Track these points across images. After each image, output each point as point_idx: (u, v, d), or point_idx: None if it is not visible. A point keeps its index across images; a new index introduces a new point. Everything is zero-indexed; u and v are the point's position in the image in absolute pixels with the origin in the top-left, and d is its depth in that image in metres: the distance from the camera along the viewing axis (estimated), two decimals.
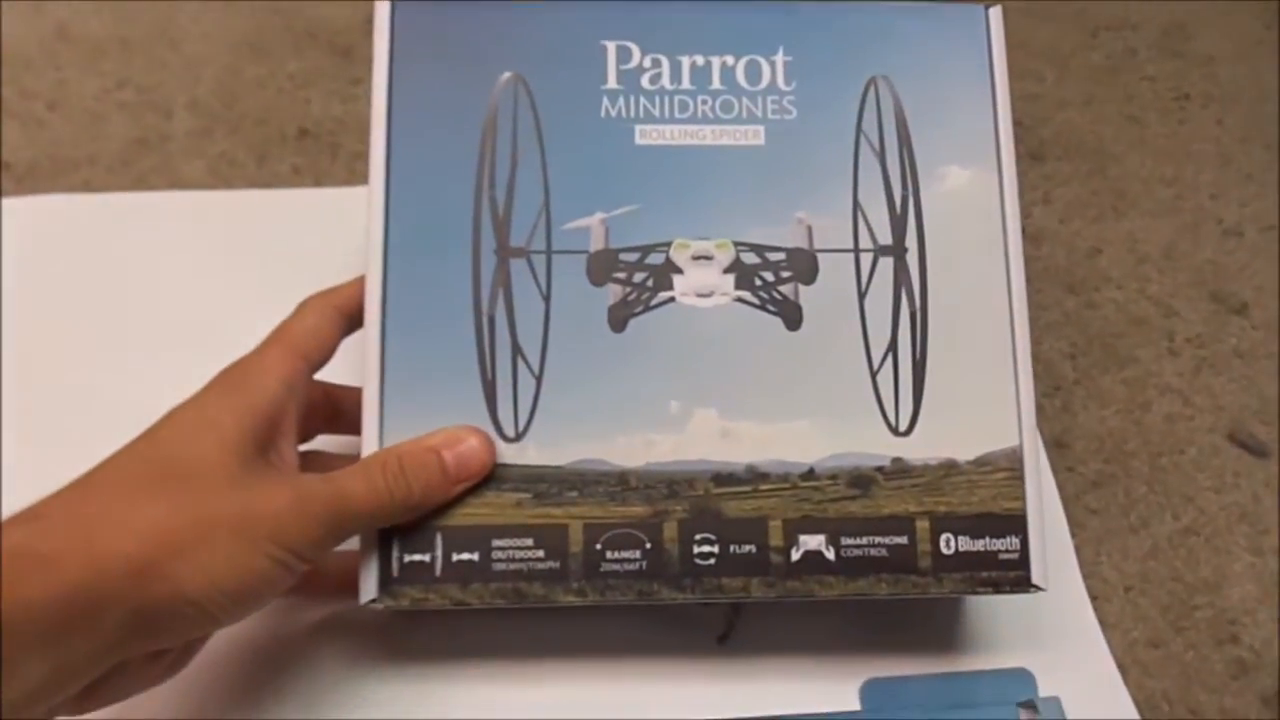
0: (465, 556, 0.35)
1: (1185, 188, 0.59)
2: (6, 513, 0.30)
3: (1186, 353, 0.53)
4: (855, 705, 0.42)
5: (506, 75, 0.37)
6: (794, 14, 0.39)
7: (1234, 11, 0.69)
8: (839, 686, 0.42)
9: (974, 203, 0.38)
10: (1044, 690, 0.42)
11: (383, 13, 0.37)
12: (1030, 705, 0.42)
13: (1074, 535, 0.47)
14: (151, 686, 0.33)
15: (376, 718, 0.39)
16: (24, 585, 0.27)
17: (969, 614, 0.44)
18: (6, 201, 0.50)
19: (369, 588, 0.34)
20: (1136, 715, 0.43)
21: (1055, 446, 0.48)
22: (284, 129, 0.53)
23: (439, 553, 0.34)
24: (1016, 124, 0.58)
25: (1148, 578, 0.47)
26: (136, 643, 0.30)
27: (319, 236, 0.49)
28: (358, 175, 0.53)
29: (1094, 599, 0.45)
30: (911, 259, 0.38)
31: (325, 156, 0.52)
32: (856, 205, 0.38)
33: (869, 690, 0.42)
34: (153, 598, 0.29)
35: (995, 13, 0.39)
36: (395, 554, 0.34)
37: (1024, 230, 0.53)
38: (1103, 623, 0.45)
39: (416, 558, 0.34)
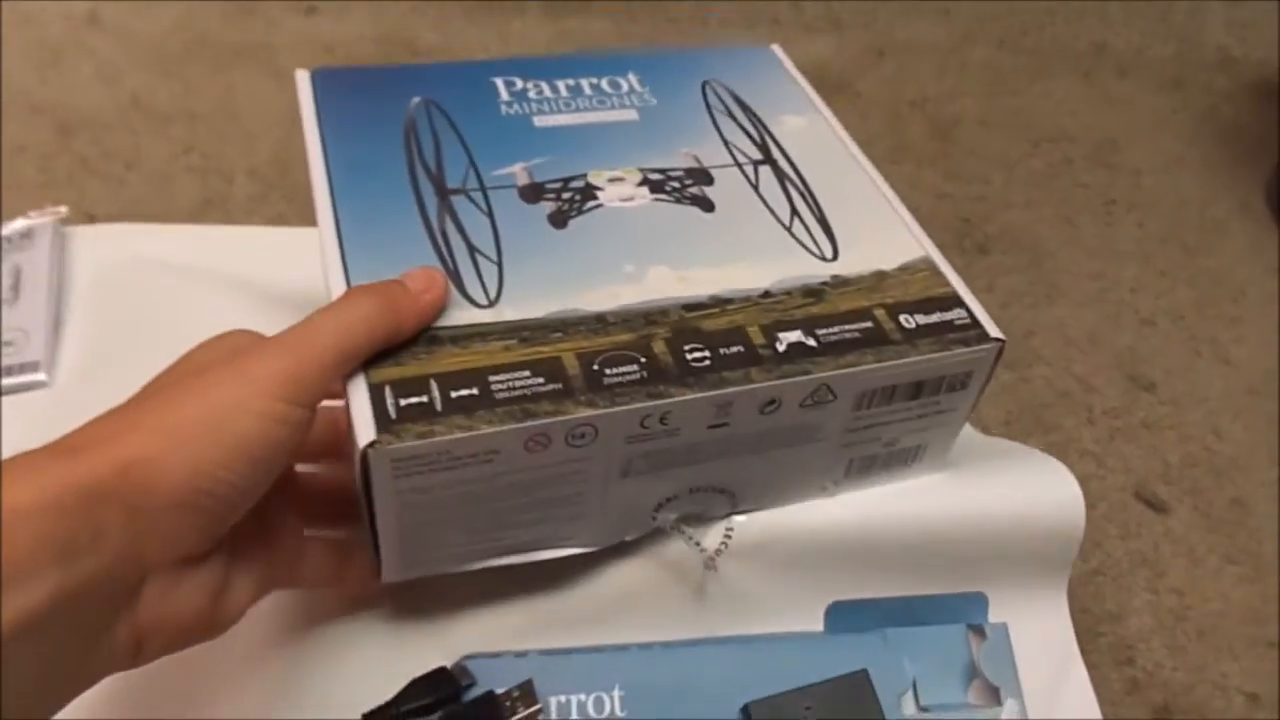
0: (464, 392, 0.34)
1: (1110, 282, 0.70)
2: None
3: (1103, 423, 0.62)
4: (820, 628, 0.43)
5: (417, 99, 0.45)
6: (631, 56, 0.50)
7: (1160, 131, 0.85)
8: (809, 607, 0.43)
9: (813, 129, 0.47)
10: (995, 618, 0.44)
11: (303, 79, 0.45)
12: (979, 630, 0.43)
13: None
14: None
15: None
16: (11, 489, 0.26)
17: (931, 536, 0.44)
18: (76, 230, 0.55)
19: (366, 431, 0.32)
20: (1071, 631, 0.45)
21: None
22: None
23: (436, 393, 0.34)
24: (965, 220, 0.72)
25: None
26: (155, 548, 0.29)
27: None
28: None
29: None
30: (783, 163, 0.45)
31: None
32: (725, 142, 0.46)
33: (833, 611, 0.43)
34: (144, 485, 0.28)
35: (777, 49, 0.52)
36: (390, 400, 0.33)
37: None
38: None
39: (414, 400, 0.33)
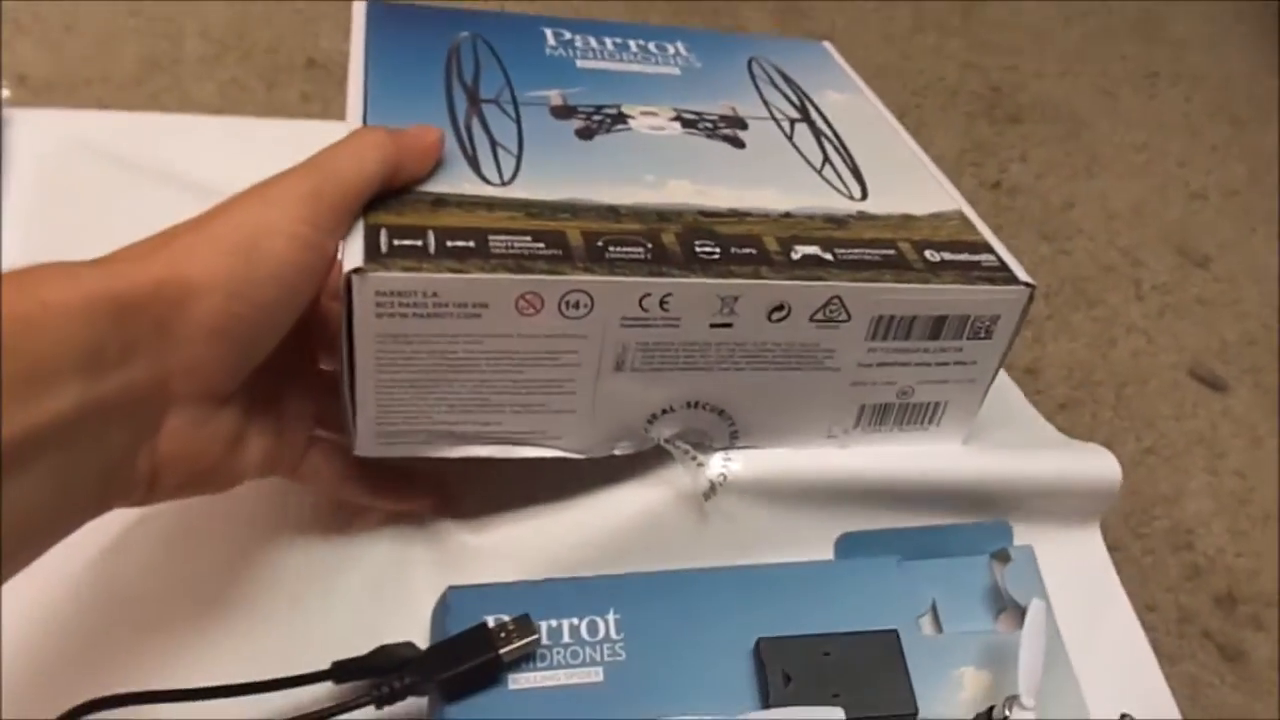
0: (460, 243, 0.33)
1: (1155, 154, 0.67)
2: None
3: (1152, 298, 0.58)
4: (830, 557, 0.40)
5: (465, 34, 0.46)
6: (682, 30, 0.51)
7: (1205, 3, 0.82)
8: (817, 540, 0.40)
9: (855, 103, 0.47)
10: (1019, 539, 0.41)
11: (359, 9, 0.46)
12: (1003, 555, 0.39)
13: None
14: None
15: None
16: (43, 287, 0.26)
17: (952, 485, 0.41)
18: (19, 112, 0.49)
19: (354, 257, 0.31)
20: (1106, 556, 0.42)
21: (1025, 373, 0.50)
22: (293, 59, 0.56)
23: (431, 240, 0.33)
24: (995, 89, 0.69)
25: None
26: (181, 376, 0.28)
27: None
28: None
29: None
30: (820, 123, 0.45)
31: (333, 86, 0.54)
32: (765, 101, 0.46)
33: (843, 543, 0.41)
34: (176, 303, 0.28)
35: (829, 46, 0.53)
36: (383, 239, 0.32)
37: (999, 183, 0.60)
38: None
39: (407, 242, 0.32)
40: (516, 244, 0.33)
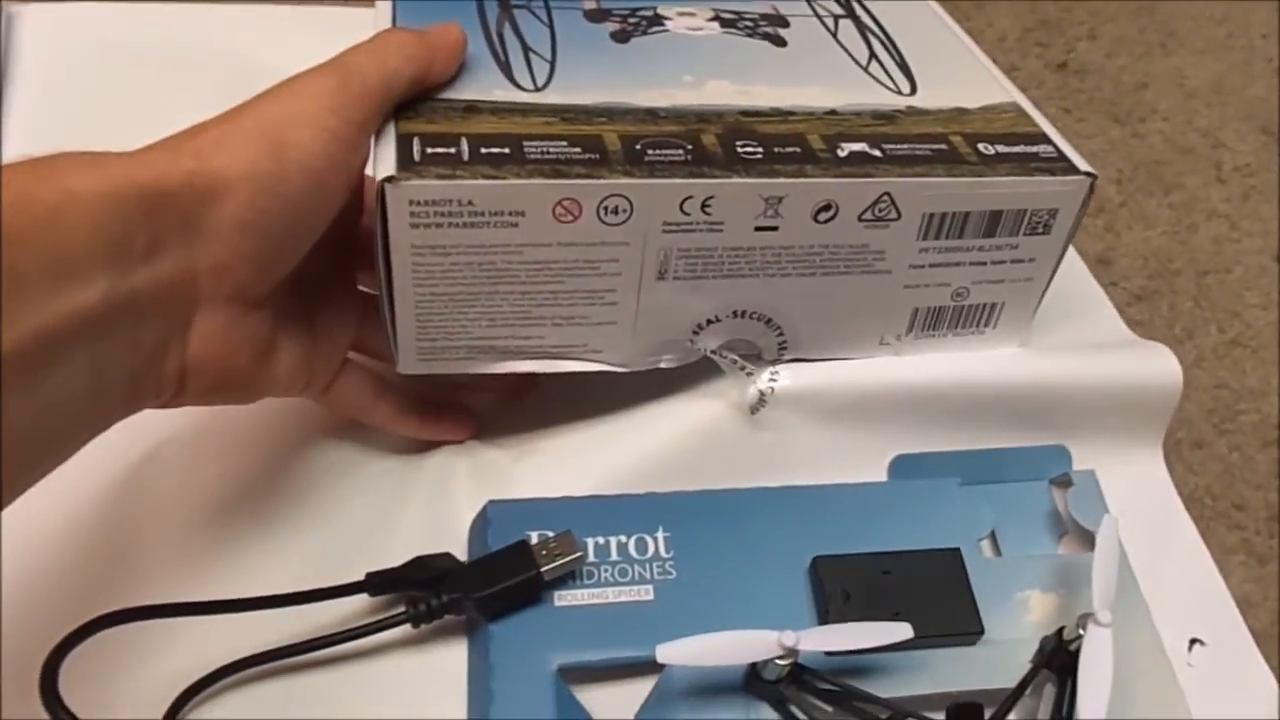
0: (495, 150, 0.32)
1: (1236, 26, 0.62)
2: None
3: (1235, 180, 0.55)
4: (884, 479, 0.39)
5: None
6: None
7: None
8: (870, 462, 0.39)
9: (906, 5, 0.45)
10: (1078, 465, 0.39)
11: None
12: (1064, 480, 0.38)
13: None
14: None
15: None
16: (68, 176, 0.25)
17: (1008, 396, 0.39)
18: (25, 8, 0.49)
19: (386, 166, 0.30)
20: (1169, 481, 0.40)
21: (1098, 263, 0.48)
22: None
23: (465, 147, 0.32)
24: None
25: (1192, 384, 0.44)
26: (210, 274, 0.28)
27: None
28: None
29: None
30: (866, 18, 0.43)
31: None
32: (811, 4, 0.44)
33: (898, 464, 0.39)
34: (206, 195, 0.27)
35: None
36: (416, 148, 0.31)
37: (1066, 64, 0.57)
38: None
39: (440, 150, 0.31)
40: (552, 149, 0.32)
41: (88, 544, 0.34)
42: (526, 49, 0.37)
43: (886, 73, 0.39)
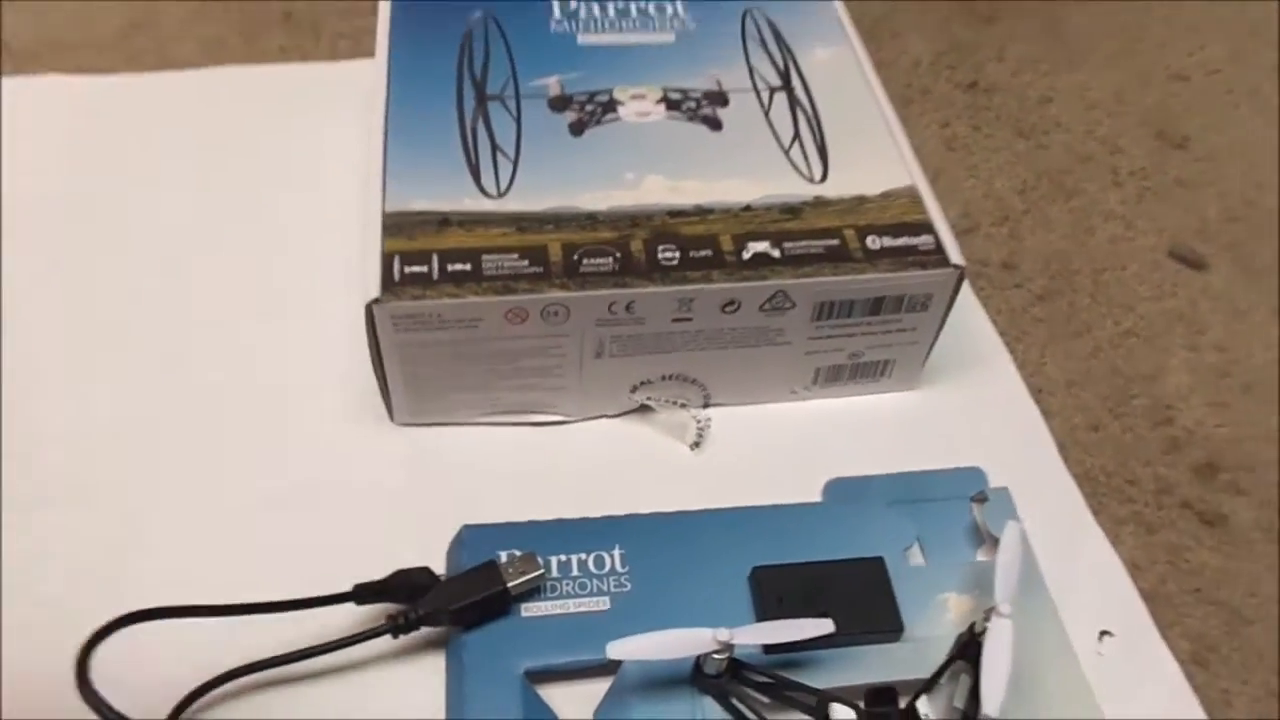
0: (459, 266, 0.40)
1: (1133, 40, 0.67)
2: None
3: (1130, 184, 0.60)
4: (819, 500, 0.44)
5: (478, 13, 0.50)
6: None
7: None
8: (804, 486, 0.44)
9: (839, 60, 0.50)
10: (994, 484, 0.45)
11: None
12: (981, 497, 0.44)
13: (1019, 342, 0.52)
14: None
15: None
16: None
17: (928, 422, 0.47)
18: (6, 81, 0.56)
19: (371, 288, 0.39)
20: (1079, 495, 0.46)
21: (1003, 268, 0.54)
22: (269, 12, 0.61)
23: (435, 265, 0.40)
24: None
25: (1089, 374, 0.51)
26: None
27: (310, 108, 0.58)
28: (340, 52, 0.62)
29: (1039, 393, 0.49)
30: (801, 92, 0.48)
31: (309, 37, 0.61)
32: (750, 68, 0.49)
33: (832, 489, 0.44)
34: None
35: None
36: (396, 267, 0.39)
37: (976, 83, 0.62)
38: (1046, 413, 0.48)
39: (415, 269, 0.39)
40: (505, 264, 0.40)
41: (89, 548, 0.40)
42: (495, 148, 0.44)
43: (805, 156, 0.45)
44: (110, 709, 0.33)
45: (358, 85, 0.56)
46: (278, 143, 0.56)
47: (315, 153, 0.56)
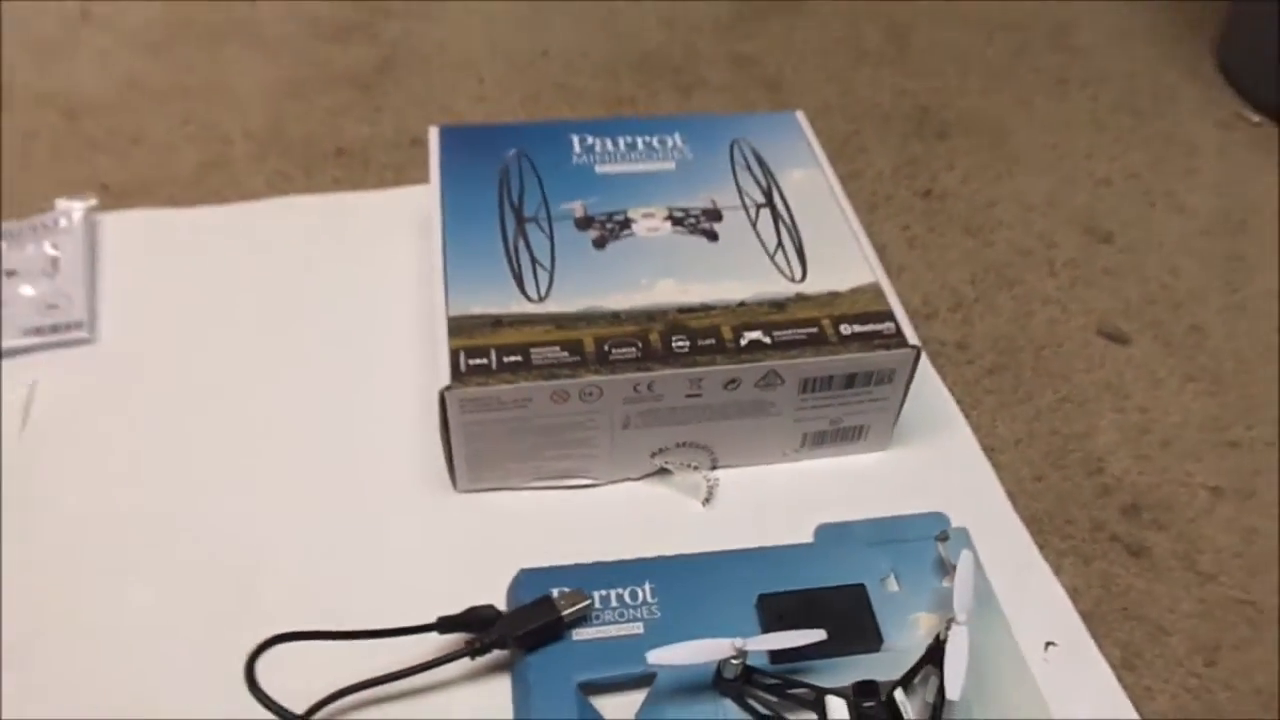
0: (512, 358, 0.50)
1: (1065, 151, 0.79)
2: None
3: (1064, 273, 0.70)
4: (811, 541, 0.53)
5: (512, 151, 0.61)
6: (679, 120, 0.65)
7: (1109, 10, 0.95)
8: (798, 530, 0.53)
9: (812, 180, 0.61)
10: (955, 524, 0.54)
11: (434, 134, 0.62)
12: (944, 535, 0.53)
13: (974, 409, 0.62)
14: None
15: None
16: None
17: (900, 477, 0.56)
18: (107, 216, 0.66)
19: (442, 378, 0.48)
20: (1026, 533, 0.55)
21: (957, 347, 0.65)
22: (324, 149, 0.72)
23: (493, 358, 0.50)
24: (924, 109, 0.80)
25: (1032, 434, 0.61)
26: None
27: (365, 229, 0.68)
28: (387, 181, 0.72)
29: (991, 450, 0.59)
30: (781, 207, 0.59)
31: (360, 168, 0.71)
32: (739, 189, 0.60)
33: (821, 532, 0.53)
34: None
35: (800, 115, 0.66)
36: (462, 361, 0.49)
37: (930, 191, 0.73)
38: (997, 466, 0.58)
39: (477, 361, 0.49)
40: (549, 355, 0.50)
41: (228, 588, 0.50)
42: (534, 261, 0.54)
43: (787, 261, 0.56)
44: (274, 702, 0.43)
45: (404, 209, 0.68)
46: (339, 259, 0.67)
47: (371, 266, 0.66)
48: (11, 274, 0.61)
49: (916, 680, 0.46)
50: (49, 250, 0.63)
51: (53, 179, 0.72)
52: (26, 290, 0.61)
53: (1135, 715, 0.48)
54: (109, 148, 0.75)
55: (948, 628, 0.45)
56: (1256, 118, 0.87)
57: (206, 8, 0.92)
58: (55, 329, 0.60)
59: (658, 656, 0.43)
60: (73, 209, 0.66)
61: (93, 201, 0.68)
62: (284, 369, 0.60)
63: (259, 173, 0.74)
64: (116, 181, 0.72)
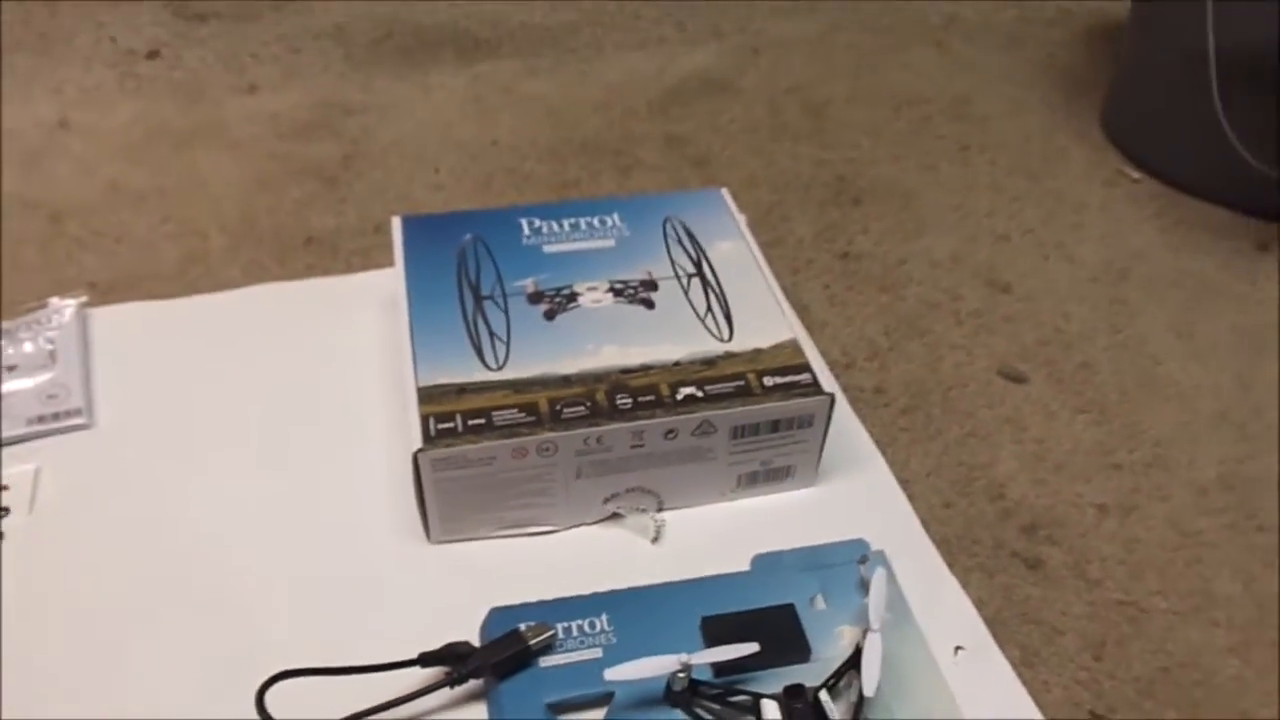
0: (476, 421, 0.56)
1: (968, 212, 0.89)
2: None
3: (969, 322, 0.79)
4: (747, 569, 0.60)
5: (468, 236, 0.68)
6: (617, 201, 0.72)
7: (1005, 83, 1.07)
8: (736, 561, 0.60)
9: (736, 250, 0.69)
10: (875, 548, 0.61)
11: (396, 223, 0.69)
12: (865, 559, 0.60)
13: (890, 446, 0.69)
14: None
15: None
16: None
17: (825, 510, 0.63)
18: (95, 310, 0.73)
19: (415, 441, 0.55)
20: (937, 554, 0.63)
21: (874, 392, 0.73)
22: (295, 239, 0.79)
23: (459, 421, 0.56)
24: (840, 179, 0.90)
25: (942, 466, 0.69)
26: None
27: (336, 310, 0.75)
28: (355, 266, 0.79)
29: (905, 482, 0.66)
30: (710, 275, 0.67)
31: (329, 255, 0.78)
32: (672, 261, 0.68)
33: (757, 561, 0.60)
34: None
35: (724, 192, 0.74)
36: (432, 425, 0.56)
37: (848, 253, 0.82)
38: (911, 496, 0.66)
39: (445, 425, 0.56)
40: (509, 417, 0.56)
41: (228, 633, 0.56)
42: (492, 334, 0.61)
43: (716, 323, 0.63)
44: None
45: (372, 291, 0.75)
46: (313, 339, 0.73)
47: (343, 344, 0.72)
48: (12, 368, 0.67)
49: (841, 684, 0.52)
50: (46, 345, 0.69)
51: (43, 278, 0.79)
52: (26, 383, 0.67)
53: (1034, 706, 0.54)
54: (94, 247, 0.82)
55: (864, 635, 0.52)
56: (1136, 175, 0.98)
57: (177, 113, 1.00)
58: (56, 417, 0.65)
59: (614, 673, 0.49)
60: (65, 306, 0.72)
61: (83, 298, 0.74)
62: (268, 440, 0.66)
63: (235, 263, 0.81)
64: (103, 279, 0.79)
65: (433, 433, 0.56)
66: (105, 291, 0.77)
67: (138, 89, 1.03)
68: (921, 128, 1.02)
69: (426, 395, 0.58)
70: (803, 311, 0.65)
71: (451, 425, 0.56)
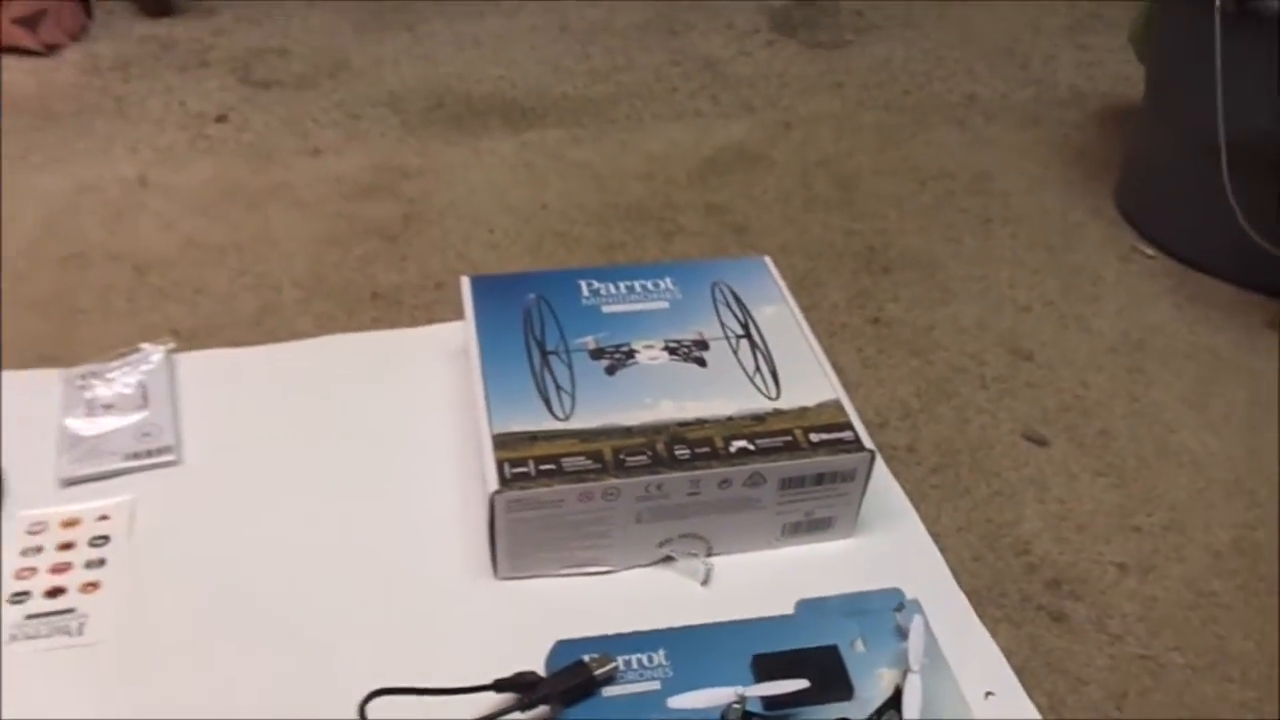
0: (547, 466, 0.61)
1: (991, 282, 0.95)
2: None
3: (993, 387, 0.84)
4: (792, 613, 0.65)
5: (532, 296, 0.74)
6: (668, 266, 0.78)
7: (1024, 160, 1.13)
8: (781, 605, 0.64)
9: (780, 315, 0.74)
10: (909, 597, 0.65)
11: (465, 283, 0.74)
12: (901, 607, 0.64)
13: (922, 502, 0.74)
14: None
15: None
16: None
17: (863, 560, 0.67)
18: (181, 356, 0.78)
19: (491, 484, 0.60)
20: (967, 604, 0.67)
21: (907, 450, 0.78)
22: (361, 293, 0.85)
23: (532, 467, 0.61)
24: (870, 249, 0.97)
25: (972, 522, 0.74)
26: None
27: (402, 362, 0.80)
28: (419, 320, 0.84)
29: (937, 536, 0.71)
30: (756, 337, 0.72)
31: (393, 309, 0.84)
32: (721, 324, 0.73)
33: (801, 606, 0.65)
34: None
35: (768, 260, 0.79)
36: (507, 469, 0.60)
37: (878, 318, 0.88)
38: (942, 550, 0.70)
39: (519, 469, 0.61)
40: (576, 463, 0.61)
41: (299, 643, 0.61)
42: (558, 387, 0.66)
43: (764, 381, 0.68)
44: None
45: (438, 343, 0.80)
46: (383, 387, 0.79)
47: (411, 392, 0.78)
48: (109, 407, 0.72)
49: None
50: (138, 387, 0.75)
51: (131, 325, 0.84)
52: (122, 421, 0.72)
53: None
54: (176, 297, 0.88)
55: (904, 677, 0.56)
56: (1150, 251, 1.04)
57: (248, 173, 1.06)
58: (150, 454, 0.71)
59: (677, 701, 0.54)
60: (154, 351, 0.78)
61: (171, 344, 0.80)
62: (343, 479, 0.71)
63: (307, 314, 0.86)
64: (186, 326, 0.85)
65: (508, 476, 0.60)
66: (188, 338, 0.82)
67: (209, 150, 1.10)
68: (945, 201, 1.08)
69: (500, 442, 0.63)
70: (838, 373, 0.70)
71: (525, 470, 0.61)
